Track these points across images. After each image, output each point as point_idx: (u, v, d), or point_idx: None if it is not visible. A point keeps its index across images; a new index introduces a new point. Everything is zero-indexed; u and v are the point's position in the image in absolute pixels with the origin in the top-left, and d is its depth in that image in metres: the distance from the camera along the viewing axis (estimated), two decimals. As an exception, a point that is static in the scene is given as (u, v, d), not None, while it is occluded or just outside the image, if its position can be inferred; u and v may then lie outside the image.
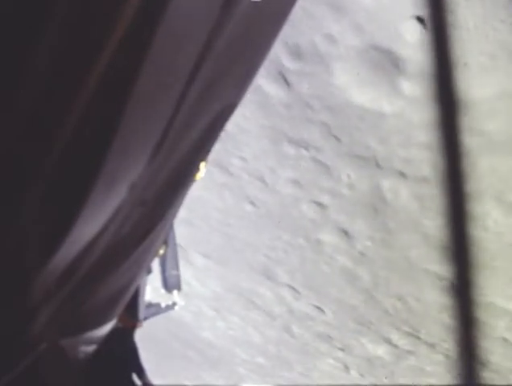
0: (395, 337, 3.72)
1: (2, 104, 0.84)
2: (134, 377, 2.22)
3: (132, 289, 1.71)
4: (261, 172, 3.00)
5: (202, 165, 1.59)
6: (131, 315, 2.18)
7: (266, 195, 3.12)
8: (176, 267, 2.75)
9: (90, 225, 1.10)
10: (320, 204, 3.02)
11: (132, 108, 0.95)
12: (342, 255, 3.30)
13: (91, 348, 1.64)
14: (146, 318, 2.43)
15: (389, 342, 3.82)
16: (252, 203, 3.25)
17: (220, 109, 1.32)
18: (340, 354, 4.30)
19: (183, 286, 3.85)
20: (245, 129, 2.77)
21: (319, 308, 3.90)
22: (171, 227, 2.44)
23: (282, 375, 5.22)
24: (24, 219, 0.97)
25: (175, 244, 2.72)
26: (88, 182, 0.99)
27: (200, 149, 1.41)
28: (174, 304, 2.86)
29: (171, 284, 2.78)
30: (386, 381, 4.32)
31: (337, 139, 2.60)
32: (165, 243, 2.52)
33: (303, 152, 2.74)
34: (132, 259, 1.45)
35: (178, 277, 2.79)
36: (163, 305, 2.83)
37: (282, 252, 3.53)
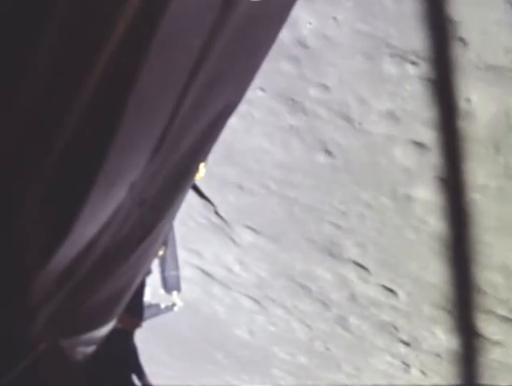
0: (485, 324, 2.92)
1: (2, 104, 0.84)
2: (134, 378, 2.22)
3: (132, 290, 1.71)
4: (346, 105, 2.28)
5: (202, 165, 1.59)
6: (131, 316, 2.18)
7: (350, 137, 2.39)
8: (176, 267, 2.75)
9: (90, 225, 1.10)
10: (420, 146, 2.28)
11: (132, 108, 0.96)
12: (436, 215, 2.53)
13: (91, 349, 1.64)
14: (145, 319, 2.44)
15: (474, 330, 3.01)
16: (328, 151, 2.50)
17: (220, 109, 1.32)
18: (402, 349, 3.59)
19: (221, 273, 3.52)
20: (333, 41, 2.09)
21: (390, 290, 3.14)
22: (171, 227, 2.44)
23: (325, 377, 4.50)
24: (24, 219, 0.97)
25: (174, 245, 2.72)
26: (88, 182, 0.99)
27: (200, 149, 1.41)
28: (173, 305, 2.86)
29: (170, 285, 2.78)
30: (454, 381, 3.52)
31: (464, 43, 1.89)
32: (165, 243, 2.52)
33: (410, 69, 2.05)
34: (132, 259, 1.45)
35: (177, 278, 2.79)
36: (162, 306, 2.83)
37: (356, 217, 2.78)
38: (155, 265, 2.63)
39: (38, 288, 1.10)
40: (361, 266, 3.06)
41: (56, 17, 0.80)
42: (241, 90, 1.39)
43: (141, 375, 2.26)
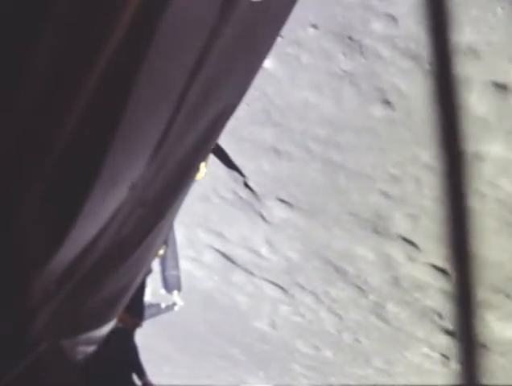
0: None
1: (2, 104, 0.84)
2: (134, 377, 2.22)
3: (132, 290, 1.71)
4: (415, 41, 1.88)
5: (202, 165, 1.59)
6: (131, 315, 2.18)
7: (415, 82, 1.98)
8: (176, 267, 2.74)
9: (90, 225, 1.10)
10: (501, 88, 1.89)
11: (132, 108, 0.95)
12: (510, 178, 2.18)
13: (91, 348, 1.64)
14: (145, 319, 2.43)
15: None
16: (386, 102, 2.11)
17: (221, 109, 1.32)
18: (443, 339, 3.14)
19: (245, 256, 3.14)
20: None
21: (442, 270, 2.74)
22: (171, 227, 2.44)
23: (350, 373, 4.02)
24: (24, 219, 0.97)
25: (175, 244, 2.72)
26: (89, 182, 0.99)
27: (201, 149, 1.41)
28: (174, 304, 2.86)
29: (171, 284, 2.78)
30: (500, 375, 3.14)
31: None
32: (165, 243, 2.52)
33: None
34: (132, 259, 1.45)
35: (178, 278, 2.79)
36: (162, 305, 2.83)
37: (411, 183, 2.36)
38: (156, 265, 2.63)
39: (38, 288, 1.10)
40: (410, 242, 2.67)
41: (56, 17, 0.79)
42: (242, 90, 1.39)
43: (141, 374, 2.26)
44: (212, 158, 2.51)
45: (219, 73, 1.17)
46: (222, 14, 1.01)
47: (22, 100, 0.85)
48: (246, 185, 2.74)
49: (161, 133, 1.13)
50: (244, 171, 2.67)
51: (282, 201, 2.76)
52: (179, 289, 2.82)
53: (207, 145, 1.45)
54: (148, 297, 2.52)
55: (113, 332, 1.76)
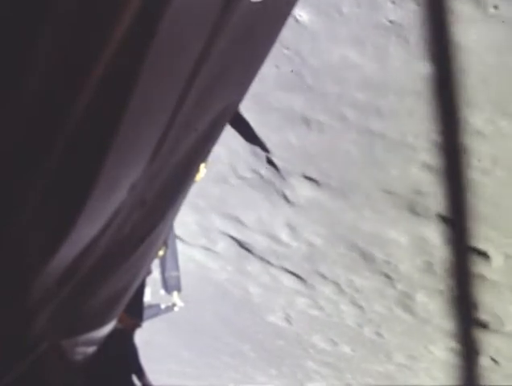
0: None
1: (2, 104, 0.84)
2: (134, 378, 2.22)
3: (132, 290, 1.71)
4: None
5: (202, 165, 1.59)
6: (131, 316, 2.18)
7: (473, 31, 1.70)
8: (176, 268, 2.74)
9: (90, 226, 1.10)
10: None
11: (132, 108, 0.96)
12: None
13: (91, 349, 1.64)
14: (145, 320, 2.43)
15: None
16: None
17: (221, 109, 1.32)
18: (475, 331, 2.86)
19: (263, 243, 2.89)
20: None
21: (483, 254, 2.44)
22: (171, 227, 2.44)
23: (368, 369, 3.76)
24: (24, 219, 0.97)
25: (174, 245, 2.72)
26: (89, 182, 0.99)
27: (201, 149, 1.41)
28: (173, 305, 2.86)
29: (170, 285, 2.78)
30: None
31: None
32: (165, 244, 2.52)
33: None
34: (132, 260, 1.45)
35: (178, 278, 2.79)
36: (162, 306, 2.83)
37: (457, 152, 2.09)
38: (155, 266, 2.63)
39: (38, 288, 1.10)
40: (450, 222, 2.37)
41: (57, 17, 0.80)
42: (242, 90, 1.39)
43: (141, 375, 2.26)
44: (231, 131, 2.26)
45: (219, 73, 1.17)
46: (222, 14, 1.02)
47: (23, 100, 0.85)
48: (269, 161, 2.48)
49: (161, 134, 1.13)
50: (268, 145, 2.40)
51: (308, 179, 2.47)
52: (178, 289, 2.82)
53: (207, 145, 1.45)
54: (148, 297, 2.52)
55: (113, 332, 1.76)
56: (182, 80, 1.07)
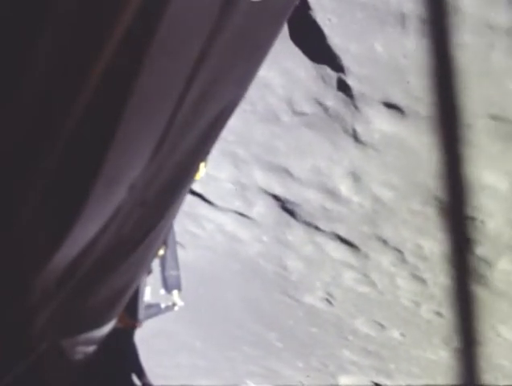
0: None
1: (2, 104, 0.84)
2: (134, 377, 2.22)
3: (132, 290, 1.71)
4: None
5: (202, 165, 1.59)
6: (131, 315, 2.18)
7: None
8: (176, 267, 2.75)
9: (90, 225, 1.10)
10: None
11: (132, 108, 0.96)
12: None
13: (91, 348, 1.64)
14: (145, 319, 2.44)
15: None
16: None
17: (221, 109, 1.32)
18: None
19: (314, 201, 2.26)
20: None
21: None
22: (171, 227, 2.44)
23: (418, 358, 3.08)
24: (24, 218, 0.97)
25: (174, 244, 2.72)
26: (89, 182, 0.99)
27: (201, 149, 1.41)
28: (173, 305, 2.86)
29: (170, 284, 2.78)
30: None
31: None
32: (165, 243, 2.52)
33: None
34: (132, 259, 1.45)
35: (178, 277, 2.79)
36: (162, 305, 2.83)
37: None
38: (155, 265, 2.63)
39: (38, 288, 1.10)
40: None
41: (56, 17, 0.80)
42: (242, 90, 1.39)
43: (141, 374, 2.26)
44: (290, 48, 1.70)
45: (219, 73, 1.17)
46: (222, 14, 1.01)
47: (22, 100, 0.85)
48: (340, 86, 1.85)
49: (161, 133, 1.13)
50: (343, 61, 1.75)
51: (390, 107, 1.82)
52: (178, 289, 2.82)
53: (207, 145, 1.45)
54: (148, 297, 2.52)
55: (112, 332, 1.76)
56: (182, 79, 1.07)
